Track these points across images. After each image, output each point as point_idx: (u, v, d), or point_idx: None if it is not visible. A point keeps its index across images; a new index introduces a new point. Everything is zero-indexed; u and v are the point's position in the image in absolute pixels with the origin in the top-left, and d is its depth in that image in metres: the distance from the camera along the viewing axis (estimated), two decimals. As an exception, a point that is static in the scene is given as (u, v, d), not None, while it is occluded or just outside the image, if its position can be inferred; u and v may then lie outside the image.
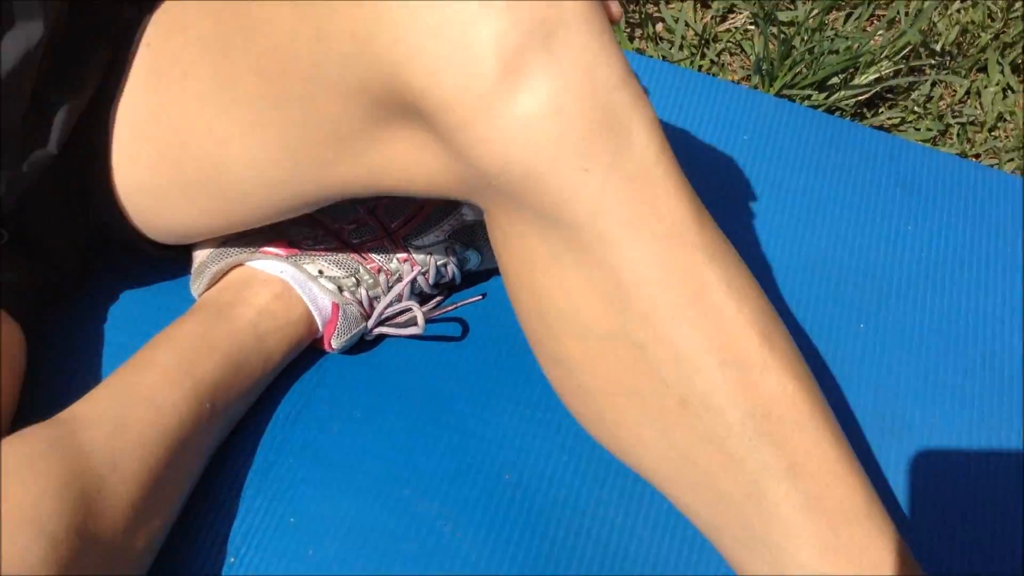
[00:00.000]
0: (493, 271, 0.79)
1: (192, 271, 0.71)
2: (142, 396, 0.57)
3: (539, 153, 0.41)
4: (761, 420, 0.44)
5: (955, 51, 1.14)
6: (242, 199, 0.57)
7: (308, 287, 0.69)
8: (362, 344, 0.74)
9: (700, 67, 1.08)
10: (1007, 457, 0.74)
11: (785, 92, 1.00)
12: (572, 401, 0.53)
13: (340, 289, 0.70)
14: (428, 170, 0.47)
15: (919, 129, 1.04)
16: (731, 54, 1.13)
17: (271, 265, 0.69)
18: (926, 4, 1.13)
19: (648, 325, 0.44)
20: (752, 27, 1.13)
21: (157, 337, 0.64)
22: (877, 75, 1.01)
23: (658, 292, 0.44)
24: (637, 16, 1.14)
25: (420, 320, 0.69)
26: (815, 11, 1.04)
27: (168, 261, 0.72)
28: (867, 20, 1.16)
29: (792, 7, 1.15)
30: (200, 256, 0.71)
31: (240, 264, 0.70)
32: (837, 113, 1.03)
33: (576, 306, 0.46)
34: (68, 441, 0.51)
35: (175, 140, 0.56)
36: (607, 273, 0.44)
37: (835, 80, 1.01)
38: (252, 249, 0.69)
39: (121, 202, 0.62)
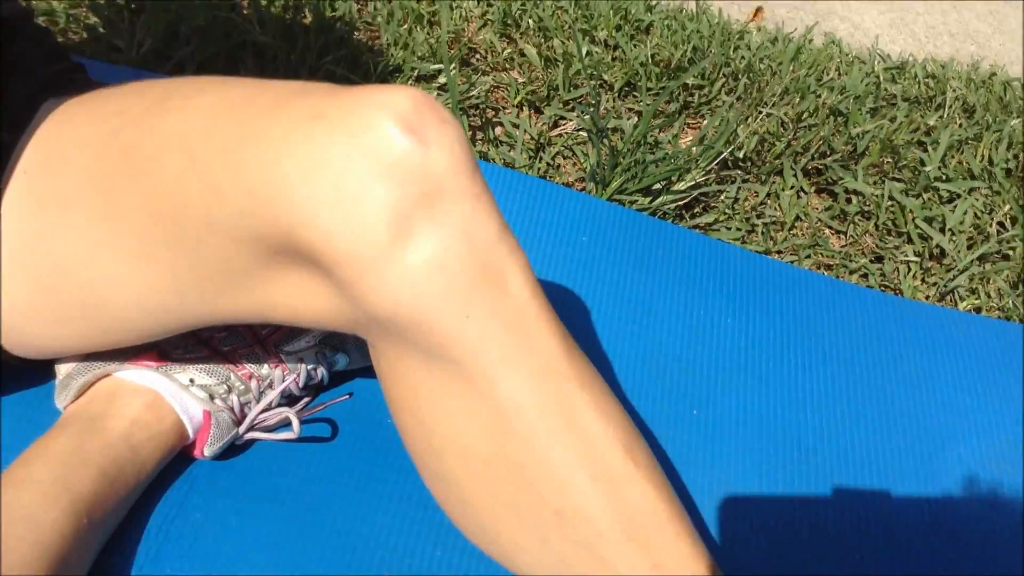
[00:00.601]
0: (359, 370, 0.83)
1: (57, 382, 0.71)
2: (20, 515, 0.57)
3: (426, 302, 0.47)
4: (628, 525, 0.52)
5: (755, 158, 1.30)
6: (122, 325, 0.59)
7: (179, 396, 0.70)
8: (232, 448, 0.75)
9: (538, 170, 1.18)
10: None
11: (616, 197, 1.12)
12: (455, 512, 0.58)
13: (211, 397, 0.71)
14: (317, 309, 0.52)
15: (730, 228, 1.18)
16: (564, 157, 1.24)
17: (140, 375, 0.70)
18: (730, 116, 1.30)
19: (527, 448, 0.51)
20: (581, 132, 1.25)
21: (29, 452, 0.63)
22: (693, 182, 1.14)
23: (536, 419, 0.51)
24: (479, 120, 1.23)
25: (295, 426, 0.72)
26: (637, 126, 1.17)
27: (28, 371, 0.72)
28: (681, 131, 1.30)
29: (617, 117, 1.28)
30: (65, 368, 0.70)
31: (107, 375, 0.70)
32: (660, 215, 1.15)
33: (460, 431, 0.52)
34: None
35: (54, 267, 0.57)
36: (489, 404, 0.51)
37: (658, 186, 1.14)
38: (120, 361, 0.70)
39: None
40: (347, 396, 0.78)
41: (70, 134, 0.57)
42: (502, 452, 0.51)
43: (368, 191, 0.45)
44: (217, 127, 0.48)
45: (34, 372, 0.73)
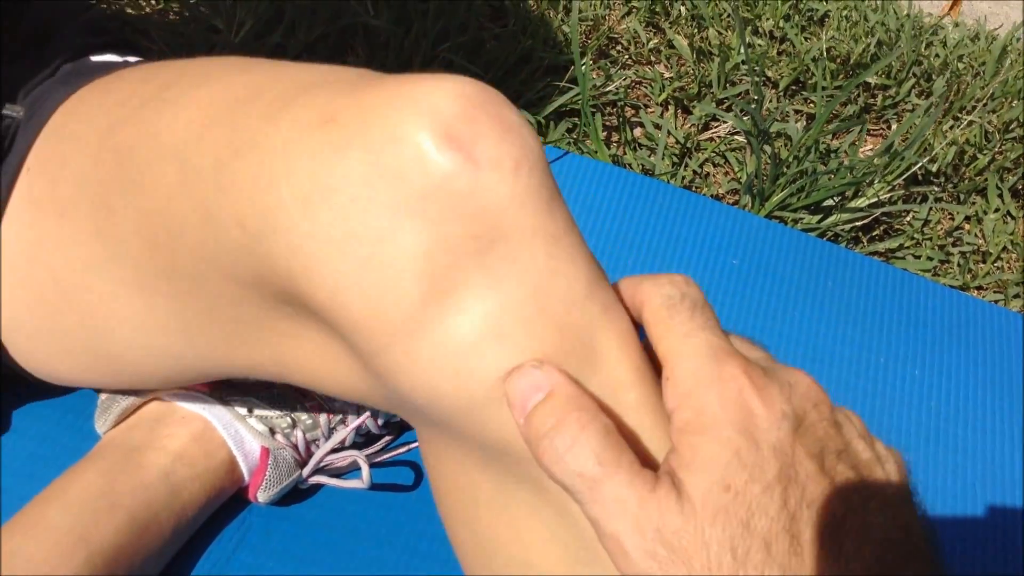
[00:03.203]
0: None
1: (98, 403, 0.64)
2: (23, 570, 0.51)
3: (475, 384, 0.35)
4: None
5: (952, 173, 1.13)
6: (129, 366, 0.51)
7: (234, 428, 0.63)
8: (295, 494, 0.67)
9: (683, 178, 1.06)
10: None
11: (777, 213, 0.98)
12: None
13: (272, 431, 0.63)
14: (342, 379, 0.42)
15: (919, 257, 1.02)
16: (714, 164, 1.11)
17: (191, 400, 0.62)
18: (920, 122, 1.13)
19: None
20: (737, 136, 1.11)
21: (51, 488, 0.57)
22: (875, 199, 0.99)
23: None
24: (616, 119, 1.12)
25: (365, 473, 0.63)
26: (810, 129, 1.02)
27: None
28: (859, 138, 1.15)
29: (782, 119, 1.14)
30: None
31: (155, 399, 0.63)
32: (831, 238, 1.00)
33: (529, 555, 0.40)
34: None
35: (52, 284, 0.50)
36: (569, 521, 0.38)
37: (830, 202, 0.99)
38: (169, 381, 0.62)
39: (1, 335, 0.55)
40: None
41: (70, 128, 0.51)
42: None
43: (391, 231, 0.33)
44: (212, 131, 0.38)
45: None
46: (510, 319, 0.34)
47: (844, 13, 1.35)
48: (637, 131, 1.13)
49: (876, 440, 0.37)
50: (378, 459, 0.67)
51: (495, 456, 0.38)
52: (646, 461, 0.36)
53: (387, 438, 0.69)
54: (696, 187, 1.07)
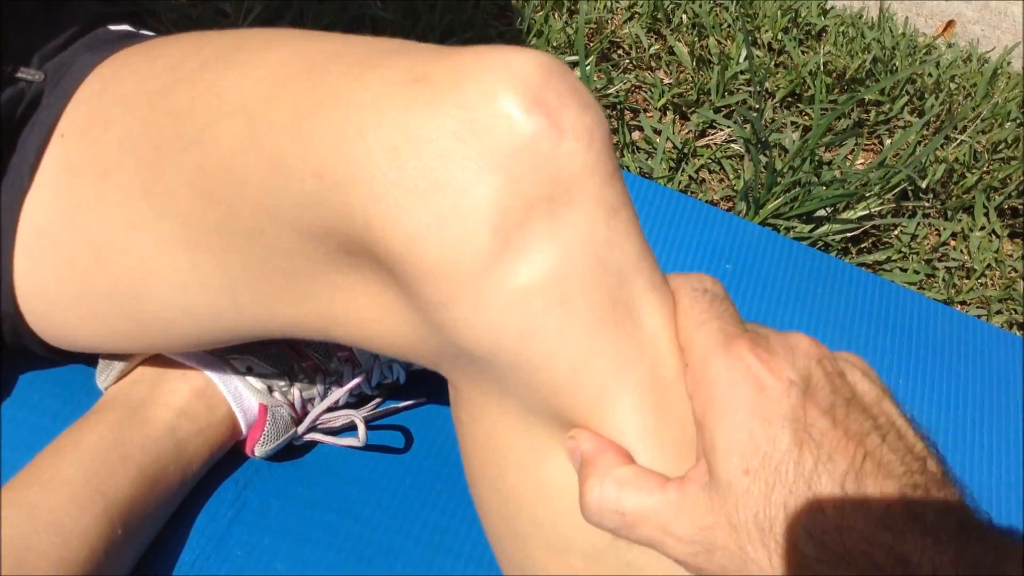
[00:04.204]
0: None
1: (99, 360, 0.65)
2: (46, 521, 0.52)
3: (535, 338, 0.37)
4: None
5: (940, 190, 1.16)
6: (162, 328, 0.52)
7: (233, 385, 0.64)
8: (291, 450, 0.68)
9: (679, 183, 1.08)
10: None
11: (771, 221, 1.00)
12: None
13: (270, 389, 0.65)
14: (392, 332, 0.43)
15: (905, 270, 1.05)
16: (710, 171, 1.13)
17: (191, 357, 0.64)
18: (913, 139, 1.16)
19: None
20: (732, 144, 1.14)
21: (61, 441, 0.58)
22: (866, 211, 1.02)
23: None
24: (616, 122, 1.14)
25: (362, 432, 0.64)
26: (807, 139, 1.05)
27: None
28: (853, 151, 1.18)
29: (778, 130, 1.16)
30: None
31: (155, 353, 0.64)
32: (822, 247, 1.03)
33: (556, 515, 0.41)
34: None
35: (87, 249, 0.51)
36: None
37: (822, 213, 1.01)
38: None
39: (19, 304, 0.56)
40: (421, 401, 0.71)
41: (113, 92, 0.51)
42: (612, 547, 0.40)
43: (475, 184, 0.35)
44: (287, 89, 0.40)
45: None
46: (573, 285, 0.37)
47: (841, 29, 1.37)
48: (636, 135, 1.15)
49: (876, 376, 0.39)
50: (370, 418, 0.68)
51: (538, 417, 0.39)
52: (687, 436, 0.38)
53: (376, 400, 0.71)
54: (692, 192, 1.09)
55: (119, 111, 0.49)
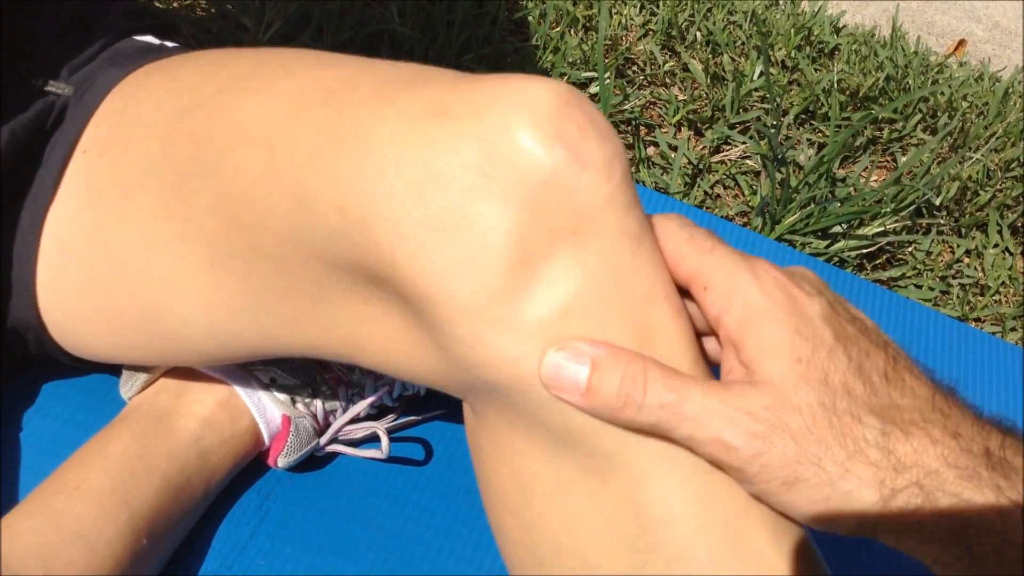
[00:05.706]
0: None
1: (123, 371, 0.66)
2: (73, 531, 0.52)
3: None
4: None
5: (954, 207, 1.17)
6: (184, 344, 0.52)
7: (256, 396, 0.64)
8: (313, 461, 0.68)
9: (695, 198, 1.09)
10: None
11: (787, 236, 1.01)
12: None
13: (293, 401, 0.65)
14: (418, 365, 0.43)
15: (920, 287, 1.05)
16: (725, 187, 1.14)
17: (216, 367, 0.64)
18: (926, 157, 1.17)
19: (676, 571, 0.40)
20: (747, 160, 1.15)
21: (86, 450, 0.58)
22: (881, 228, 1.02)
23: (694, 533, 0.40)
24: (631, 137, 1.15)
25: (385, 444, 0.64)
26: (823, 156, 1.06)
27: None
28: (867, 169, 1.19)
29: (792, 147, 1.17)
30: (137, 358, 0.66)
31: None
32: (837, 263, 1.03)
33: (581, 543, 0.41)
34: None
35: (109, 265, 0.51)
36: (633, 509, 0.39)
37: (837, 229, 1.02)
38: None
39: (41, 316, 0.57)
40: (441, 413, 0.71)
41: (133, 112, 0.52)
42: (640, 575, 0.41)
43: (501, 220, 0.36)
44: (305, 119, 0.40)
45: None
46: (606, 314, 0.37)
47: (854, 47, 1.39)
48: (651, 150, 1.16)
49: None
50: (391, 429, 0.68)
51: (564, 447, 0.39)
52: None
53: (396, 411, 0.71)
54: (707, 207, 1.10)
55: (139, 132, 0.50)
